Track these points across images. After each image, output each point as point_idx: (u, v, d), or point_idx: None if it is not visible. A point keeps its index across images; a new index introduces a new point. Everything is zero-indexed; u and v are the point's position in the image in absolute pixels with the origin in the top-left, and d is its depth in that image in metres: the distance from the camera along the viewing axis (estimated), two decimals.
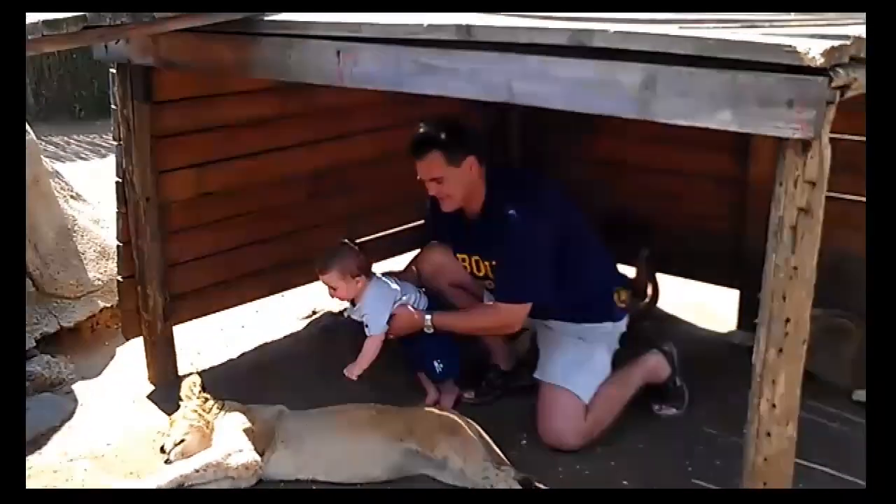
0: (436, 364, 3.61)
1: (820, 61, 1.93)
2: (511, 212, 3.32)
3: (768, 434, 2.22)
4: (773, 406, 2.20)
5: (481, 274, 3.60)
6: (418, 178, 3.46)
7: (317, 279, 4.47)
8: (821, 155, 2.06)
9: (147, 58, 3.30)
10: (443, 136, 3.38)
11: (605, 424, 3.45)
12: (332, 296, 3.58)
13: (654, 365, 3.64)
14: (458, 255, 3.65)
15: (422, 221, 4.96)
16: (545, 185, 3.56)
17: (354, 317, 3.59)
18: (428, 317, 3.50)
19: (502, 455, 3.17)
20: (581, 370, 3.44)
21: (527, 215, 3.31)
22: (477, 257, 3.57)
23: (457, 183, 3.40)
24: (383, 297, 3.51)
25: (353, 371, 3.48)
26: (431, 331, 3.50)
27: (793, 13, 3.21)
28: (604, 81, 2.25)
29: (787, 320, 2.15)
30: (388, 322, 3.51)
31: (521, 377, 3.80)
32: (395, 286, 3.56)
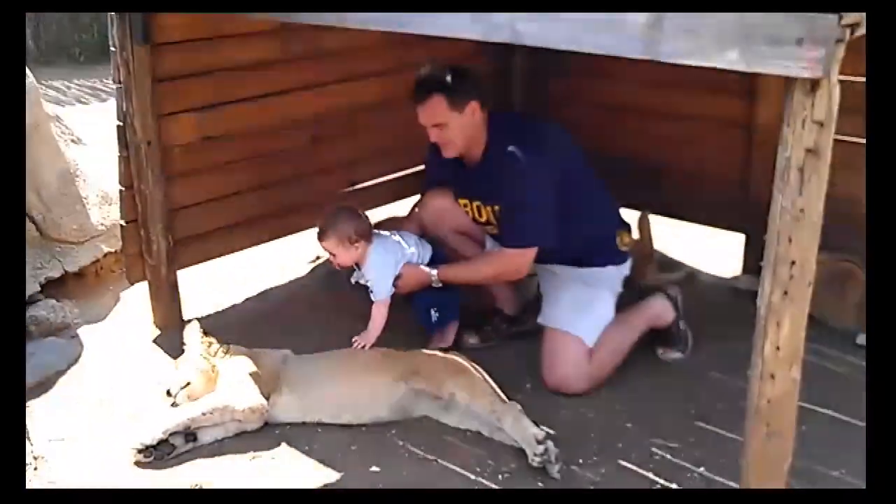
0: (432, 312, 3.61)
1: None
2: (512, 151, 3.29)
3: (772, 376, 2.21)
4: (778, 348, 2.19)
5: (483, 219, 3.58)
6: (420, 122, 3.41)
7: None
8: (829, 94, 2.02)
9: None
10: (446, 79, 3.33)
11: (610, 368, 3.46)
12: (333, 262, 3.56)
13: (659, 309, 3.64)
14: (460, 201, 3.62)
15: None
16: (545, 126, 3.52)
17: (361, 281, 3.57)
18: (434, 272, 3.48)
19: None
20: (585, 314, 3.44)
21: (528, 155, 3.29)
22: (479, 203, 3.54)
23: (459, 129, 3.35)
24: (387, 260, 3.49)
25: (366, 342, 3.47)
26: (439, 285, 3.49)
27: None
28: (609, 20, 2.19)
29: (793, 263, 2.13)
30: (395, 283, 3.50)
31: (525, 322, 3.81)
32: (398, 243, 3.54)
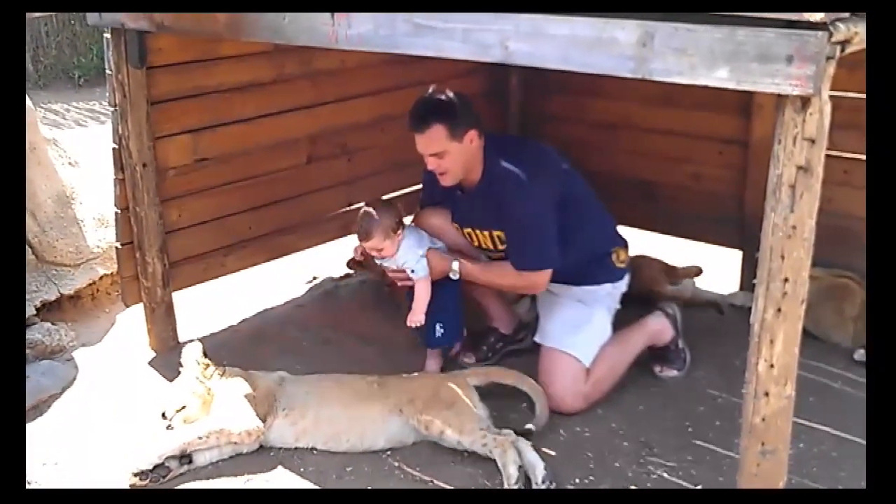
0: (437, 328, 3.56)
1: (819, 16, 1.90)
2: (512, 172, 3.28)
3: (766, 394, 2.21)
4: (771, 366, 2.19)
5: (486, 246, 3.54)
6: (418, 150, 3.37)
7: (317, 244, 4.52)
8: (821, 112, 2.03)
9: (141, 22, 3.27)
10: (446, 108, 3.28)
11: (607, 387, 3.45)
12: (378, 257, 3.49)
13: (658, 327, 3.64)
14: (464, 230, 3.58)
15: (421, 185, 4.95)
16: (540, 146, 3.52)
17: (393, 266, 3.48)
18: (455, 263, 3.45)
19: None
20: (581, 333, 3.43)
21: (529, 175, 3.28)
22: (479, 229, 3.51)
23: (457, 157, 3.31)
24: (419, 242, 3.46)
25: (415, 319, 3.42)
26: (457, 276, 3.45)
27: None
28: (600, 39, 2.21)
29: (786, 280, 2.13)
30: None
31: (521, 340, 3.80)
32: (421, 231, 3.54)
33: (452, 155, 3.30)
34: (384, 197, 4.69)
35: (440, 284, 3.48)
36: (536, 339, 3.52)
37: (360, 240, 3.46)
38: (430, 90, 3.39)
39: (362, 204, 4.56)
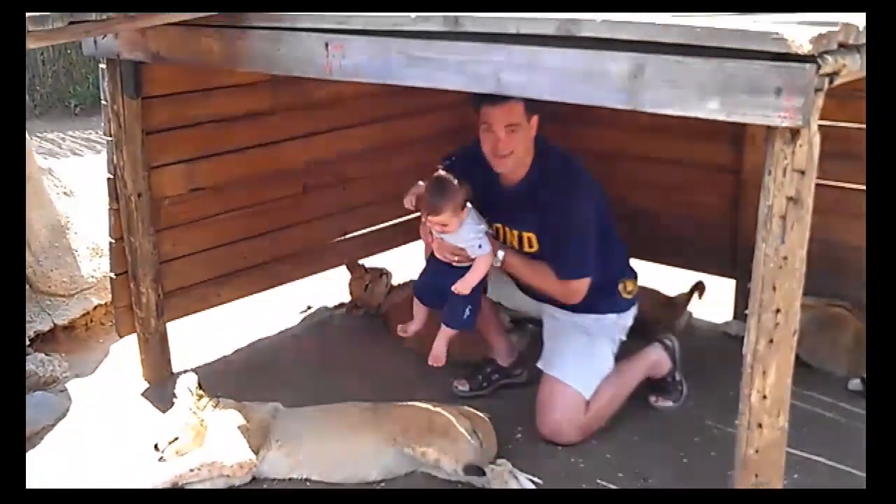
0: (467, 310, 3.43)
1: (807, 48, 1.92)
2: (573, 172, 3.23)
3: (759, 425, 2.21)
4: (764, 397, 2.18)
5: (507, 243, 3.48)
6: (483, 128, 3.25)
7: (312, 274, 4.52)
8: (810, 143, 2.04)
9: (136, 52, 3.28)
10: None
11: (605, 420, 3.44)
12: (440, 231, 3.34)
13: (656, 359, 3.63)
14: (493, 225, 3.46)
15: (419, 214, 4.96)
16: (581, 165, 3.47)
17: (454, 242, 3.34)
18: (501, 252, 3.37)
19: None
20: (584, 365, 3.42)
21: (587, 178, 3.24)
22: (507, 226, 3.45)
23: (526, 137, 3.26)
24: (480, 219, 3.37)
25: (464, 288, 3.31)
26: (499, 264, 3.37)
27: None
28: (592, 71, 2.23)
29: (778, 310, 2.14)
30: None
31: (517, 375, 3.80)
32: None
33: (524, 132, 3.24)
34: (378, 226, 4.76)
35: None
36: (539, 365, 3.50)
37: (427, 213, 3.27)
38: None
39: (359, 232, 4.66)
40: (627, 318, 3.60)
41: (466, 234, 3.32)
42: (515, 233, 3.45)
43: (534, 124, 3.27)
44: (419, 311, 3.56)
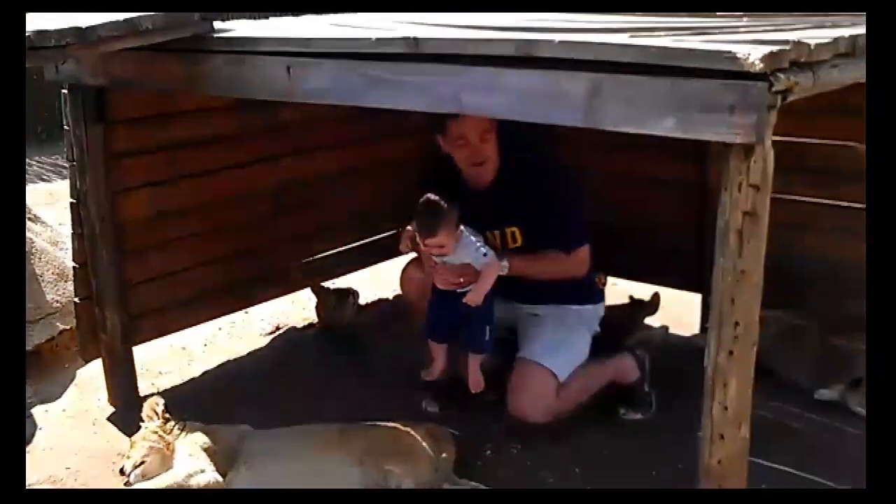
0: (487, 331, 3.44)
1: (759, 66, 1.96)
2: (539, 160, 3.31)
3: (721, 437, 2.23)
4: (726, 408, 2.21)
5: (510, 245, 3.52)
6: (459, 143, 3.31)
7: (280, 296, 4.51)
8: (764, 159, 2.08)
9: (98, 78, 3.28)
10: None
11: (573, 405, 3.52)
12: (437, 254, 3.35)
13: (626, 366, 3.70)
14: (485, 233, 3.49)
15: (386, 234, 4.98)
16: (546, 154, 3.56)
17: (455, 262, 3.35)
18: (504, 260, 3.37)
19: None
20: (560, 350, 3.49)
21: (554, 161, 3.33)
22: (487, 231, 3.47)
23: (493, 142, 3.33)
24: (474, 233, 3.38)
25: (476, 299, 3.32)
26: (506, 272, 3.37)
27: (745, 18, 3.27)
28: (550, 91, 2.27)
29: (737, 324, 2.17)
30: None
31: (485, 395, 3.79)
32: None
33: (493, 140, 3.32)
34: (348, 246, 4.77)
35: (488, 295, 3.39)
36: (517, 355, 3.55)
37: (423, 237, 3.28)
38: None
39: (328, 253, 4.66)
40: (601, 309, 3.76)
41: (468, 249, 3.34)
42: (497, 232, 3.50)
43: (494, 128, 3.33)
44: (437, 350, 3.58)
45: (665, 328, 4.42)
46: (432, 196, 3.25)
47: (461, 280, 3.37)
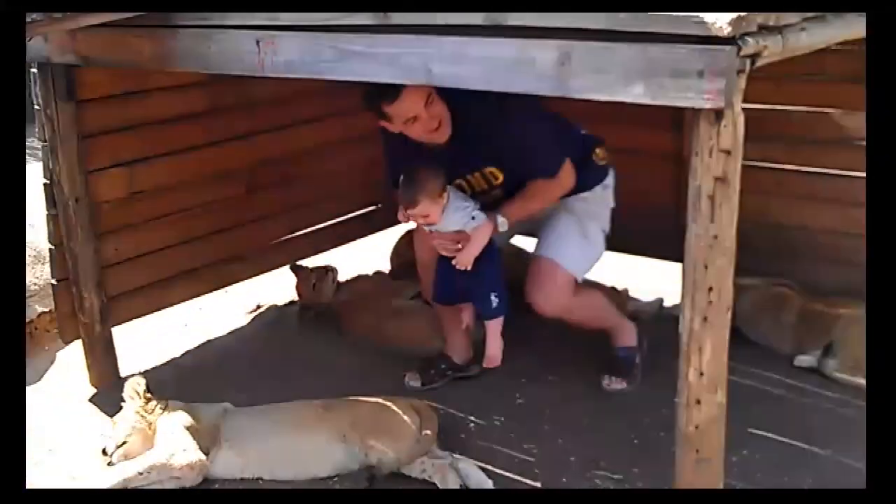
0: (492, 298, 3.42)
1: (727, 30, 1.95)
2: (489, 105, 3.09)
3: (698, 402, 2.24)
4: (701, 374, 2.22)
5: (476, 190, 3.47)
6: (408, 120, 3.18)
7: (260, 273, 4.49)
8: (734, 124, 2.08)
9: (67, 55, 3.23)
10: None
11: (579, 314, 3.58)
12: (425, 223, 3.35)
13: (627, 327, 3.77)
14: (457, 182, 3.44)
15: (364, 210, 4.97)
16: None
17: (445, 230, 3.34)
18: (499, 217, 3.34)
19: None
20: (574, 247, 3.51)
21: (501, 98, 3.18)
22: (468, 175, 3.43)
23: (440, 104, 3.20)
24: (464, 198, 3.37)
25: (465, 261, 3.30)
26: (506, 228, 3.36)
27: None
28: (520, 60, 2.26)
29: (710, 289, 2.17)
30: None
31: (469, 370, 3.81)
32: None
33: (437, 99, 3.19)
34: (325, 224, 4.75)
35: (488, 258, 3.37)
36: (534, 253, 3.58)
37: (406, 208, 3.29)
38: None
39: (307, 230, 4.64)
40: (609, 182, 3.70)
41: (455, 216, 3.32)
42: (478, 174, 3.44)
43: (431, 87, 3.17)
44: (445, 316, 3.68)
45: (660, 301, 4.43)
46: (415, 168, 3.25)
47: (459, 246, 3.34)
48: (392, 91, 3.05)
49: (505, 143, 3.30)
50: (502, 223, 3.35)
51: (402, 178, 3.29)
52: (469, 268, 3.32)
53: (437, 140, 3.31)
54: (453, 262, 3.34)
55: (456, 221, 3.32)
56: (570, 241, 3.52)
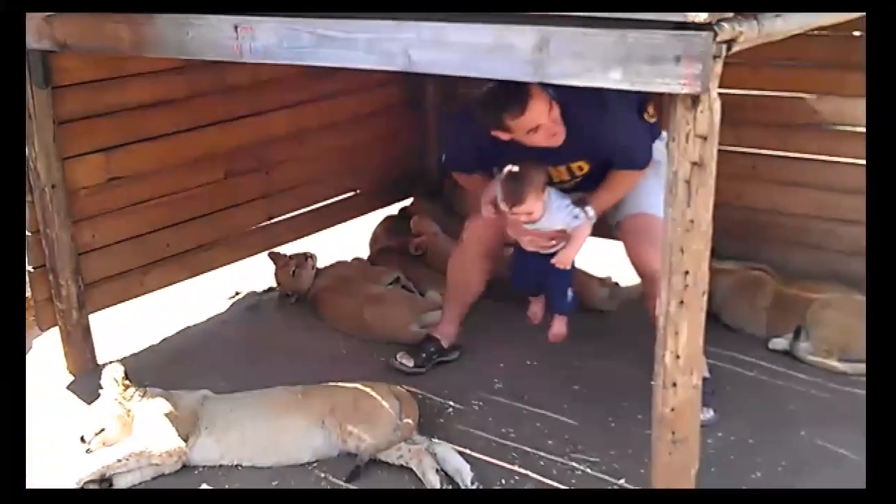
0: (570, 292, 3.44)
1: (703, 17, 1.97)
2: (586, 98, 2.94)
3: (674, 384, 2.27)
4: (678, 357, 2.25)
5: (555, 180, 3.40)
6: (528, 132, 3.09)
7: (238, 260, 4.48)
8: (710, 109, 2.10)
9: (43, 41, 3.20)
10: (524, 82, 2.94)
11: None
12: (527, 220, 3.28)
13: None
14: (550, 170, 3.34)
15: (343, 196, 4.96)
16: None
17: (546, 227, 3.31)
18: (590, 211, 3.31)
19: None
20: (654, 193, 3.22)
21: (604, 103, 3.11)
22: (559, 165, 3.36)
23: (558, 113, 3.12)
24: (560, 192, 3.33)
25: (566, 261, 3.31)
26: (594, 219, 3.33)
27: None
28: (499, 45, 2.26)
29: (687, 272, 2.20)
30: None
31: (452, 354, 3.85)
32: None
33: (556, 106, 3.12)
34: (305, 209, 4.75)
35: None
36: (623, 214, 3.46)
37: (509, 206, 3.21)
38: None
39: (286, 216, 4.63)
40: (663, 136, 3.41)
41: (558, 213, 3.29)
42: (562, 168, 3.38)
43: (551, 95, 3.11)
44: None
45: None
46: (518, 167, 3.18)
47: (553, 243, 3.34)
48: (517, 104, 2.99)
49: (603, 138, 3.24)
50: (592, 217, 3.34)
51: (503, 175, 3.23)
52: (568, 267, 3.33)
53: (555, 143, 3.23)
54: (552, 260, 3.32)
55: (560, 220, 3.30)
56: (658, 193, 3.39)
